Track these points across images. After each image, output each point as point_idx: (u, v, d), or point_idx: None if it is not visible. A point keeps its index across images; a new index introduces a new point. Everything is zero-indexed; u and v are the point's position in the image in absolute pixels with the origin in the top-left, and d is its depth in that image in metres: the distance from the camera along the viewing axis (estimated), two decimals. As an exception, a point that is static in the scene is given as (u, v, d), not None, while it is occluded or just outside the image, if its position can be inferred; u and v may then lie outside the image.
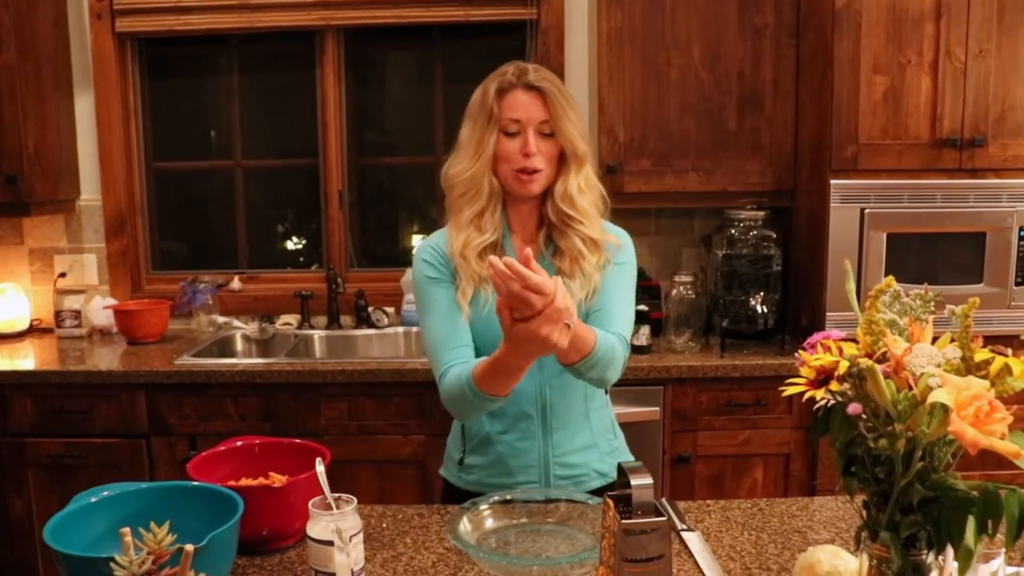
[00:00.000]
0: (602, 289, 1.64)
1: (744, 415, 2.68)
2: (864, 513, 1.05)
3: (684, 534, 1.44)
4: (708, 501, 1.60)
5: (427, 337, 1.64)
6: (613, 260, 1.67)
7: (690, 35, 2.83)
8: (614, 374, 1.56)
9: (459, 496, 1.70)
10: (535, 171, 1.60)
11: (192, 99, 3.43)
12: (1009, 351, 1.01)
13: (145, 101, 3.36)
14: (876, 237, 2.59)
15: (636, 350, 2.76)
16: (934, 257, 2.64)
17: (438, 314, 1.62)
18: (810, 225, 2.77)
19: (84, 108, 3.23)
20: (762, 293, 2.86)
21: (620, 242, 1.69)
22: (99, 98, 3.22)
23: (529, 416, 1.65)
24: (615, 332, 1.58)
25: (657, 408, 2.66)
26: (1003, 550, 1.09)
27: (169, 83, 3.40)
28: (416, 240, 3.50)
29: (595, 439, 1.71)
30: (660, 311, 2.97)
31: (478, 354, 1.61)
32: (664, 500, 1.54)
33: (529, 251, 1.27)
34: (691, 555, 1.37)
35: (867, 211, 2.59)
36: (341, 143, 3.34)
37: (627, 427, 2.58)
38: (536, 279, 1.23)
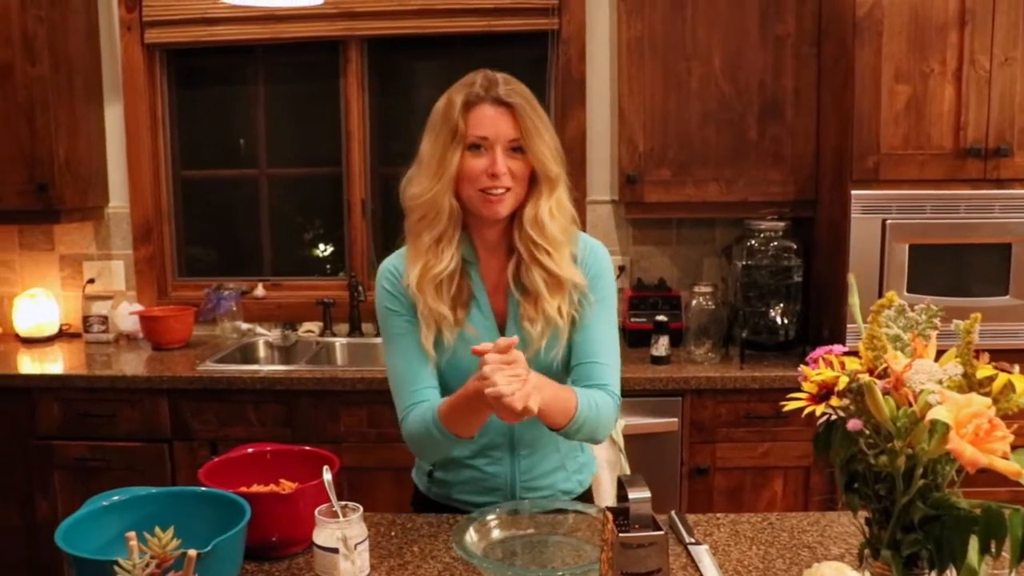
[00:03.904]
0: (585, 333, 1.55)
1: (763, 427, 2.65)
2: (866, 530, 1.05)
3: (692, 548, 1.43)
4: (718, 514, 1.59)
5: (389, 374, 1.57)
6: (592, 296, 1.55)
7: (711, 44, 2.82)
8: (604, 432, 1.54)
9: (427, 504, 1.70)
10: (504, 190, 1.48)
11: (219, 108, 3.49)
12: (1017, 367, 0.99)
13: (173, 110, 3.42)
14: (898, 248, 2.56)
15: (655, 360, 2.75)
16: (958, 268, 2.60)
17: (399, 350, 1.54)
18: (831, 236, 2.74)
19: (114, 117, 3.29)
20: (782, 304, 2.83)
21: (583, 282, 1.53)
22: (128, 108, 3.28)
23: (498, 444, 1.61)
24: (604, 386, 1.53)
25: (675, 419, 2.65)
26: (1006, 570, 1.07)
27: (196, 93, 3.45)
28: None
29: (562, 461, 1.65)
30: (680, 321, 2.95)
31: (444, 393, 1.54)
32: (673, 513, 1.54)
33: (511, 340, 1.33)
34: (698, 569, 1.36)
35: (889, 222, 2.56)
36: (364, 152, 3.37)
37: (645, 438, 2.61)
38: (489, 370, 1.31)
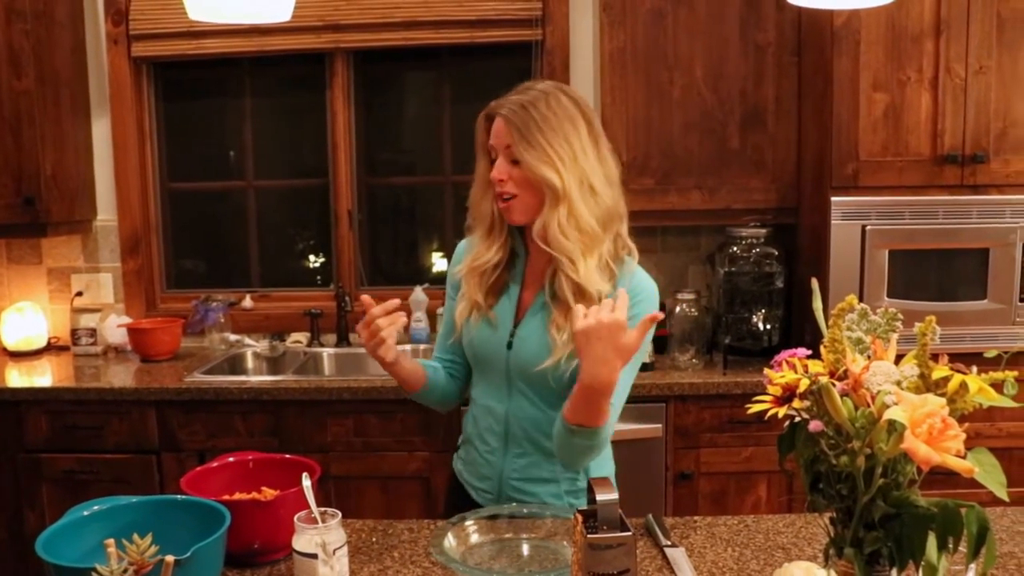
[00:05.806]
0: None
1: (747, 432, 2.67)
2: (831, 530, 1.07)
3: (668, 550, 1.45)
4: (696, 517, 1.61)
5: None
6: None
7: (692, 54, 2.85)
8: (586, 463, 1.58)
9: (454, 482, 1.77)
10: (510, 197, 1.54)
11: (206, 121, 3.51)
12: (975, 368, 1.02)
13: (160, 123, 3.44)
14: (878, 254, 2.59)
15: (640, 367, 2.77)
16: (937, 273, 2.63)
17: (444, 318, 1.75)
18: (812, 242, 2.77)
19: (101, 131, 3.31)
20: (765, 310, 2.86)
21: (608, 289, 1.51)
22: (115, 121, 3.29)
23: (494, 432, 1.65)
24: None
25: (659, 425, 2.67)
26: (971, 565, 1.10)
27: (183, 105, 3.47)
28: (436, 258, 3.55)
29: (556, 475, 1.63)
30: (664, 328, 2.97)
31: (466, 371, 1.76)
32: (650, 516, 1.56)
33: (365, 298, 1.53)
34: (673, 571, 1.38)
35: (868, 228, 2.59)
36: (351, 163, 3.39)
37: (629, 444, 2.63)
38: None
